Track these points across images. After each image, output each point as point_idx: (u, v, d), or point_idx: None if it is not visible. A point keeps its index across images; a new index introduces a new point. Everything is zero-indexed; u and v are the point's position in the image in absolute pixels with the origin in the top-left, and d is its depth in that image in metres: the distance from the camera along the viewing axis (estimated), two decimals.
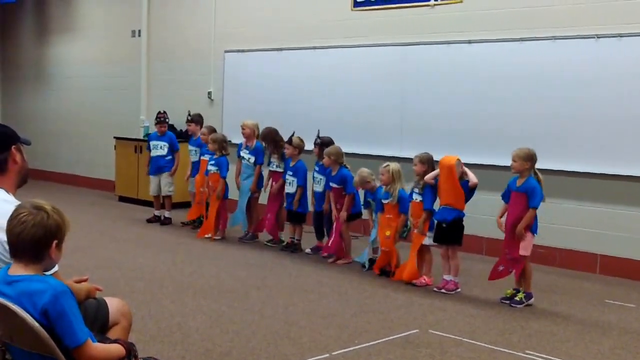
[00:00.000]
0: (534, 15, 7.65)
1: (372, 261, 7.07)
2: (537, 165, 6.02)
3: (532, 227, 5.95)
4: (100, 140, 12.56)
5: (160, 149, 9.51)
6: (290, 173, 7.89)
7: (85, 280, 3.26)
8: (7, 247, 2.76)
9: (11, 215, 2.59)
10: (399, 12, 8.68)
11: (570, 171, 7.39)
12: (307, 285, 6.47)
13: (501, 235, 6.20)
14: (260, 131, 8.32)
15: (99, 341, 2.76)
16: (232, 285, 6.38)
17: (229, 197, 8.62)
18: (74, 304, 2.57)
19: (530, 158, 5.93)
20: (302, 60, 9.58)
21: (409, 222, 6.71)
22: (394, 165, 6.83)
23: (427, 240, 6.51)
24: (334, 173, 7.44)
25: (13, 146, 3.07)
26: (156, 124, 9.63)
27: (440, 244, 6.44)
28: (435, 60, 8.31)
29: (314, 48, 9.43)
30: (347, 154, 7.64)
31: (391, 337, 5.02)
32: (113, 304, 3.25)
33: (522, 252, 5.97)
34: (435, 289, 6.37)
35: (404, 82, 8.61)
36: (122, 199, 11.48)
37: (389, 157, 7.74)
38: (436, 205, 6.54)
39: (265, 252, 7.88)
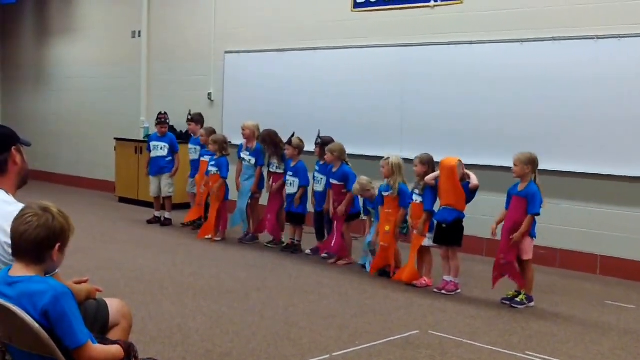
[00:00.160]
0: (534, 16, 7.65)
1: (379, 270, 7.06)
2: (538, 166, 6.02)
3: (531, 232, 5.96)
4: (101, 141, 12.56)
5: (160, 149, 9.51)
6: (291, 173, 7.89)
7: (85, 281, 3.26)
8: (7, 248, 2.77)
9: (17, 215, 2.60)
10: (399, 12, 8.69)
11: (570, 172, 7.40)
12: (307, 286, 6.47)
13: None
14: (260, 133, 8.32)
15: (99, 342, 2.76)
16: (232, 286, 6.38)
17: (229, 198, 8.62)
18: (74, 305, 2.57)
19: (532, 162, 5.93)
20: (302, 61, 9.58)
21: (408, 218, 6.70)
22: (394, 158, 6.84)
23: (427, 241, 6.50)
24: (335, 169, 7.44)
25: (13, 147, 3.07)
26: (157, 124, 9.63)
27: (440, 245, 6.44)
28: (436, 61, 8.32)
29: (314, 49, 9.44)
30: (347, 154, 7.63)
31: (391, 338, 5.01)
32: (113, 305, 3.25)
33: (524, 256, 5.97)
34: (435, 290, 6.37)
35: (404, 83, 8.61)
36: (122, 200, 11.48)
37: None
38: (436, 207, 6.54)
39: (265, 253, 7.88)
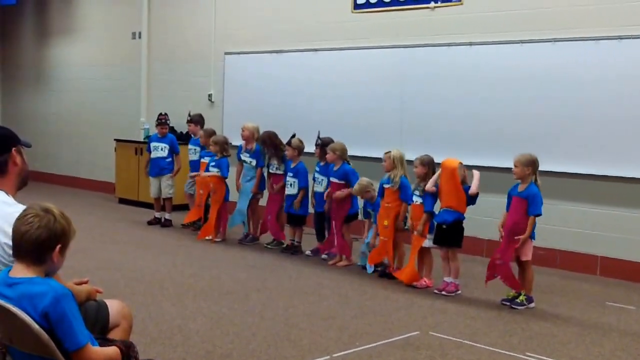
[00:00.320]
0: (534, 17, 7.65)
1: (377, 265, 7.05)
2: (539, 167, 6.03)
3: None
4: (101, 142, 12.56)
5: (160, 150, 9.52)
6: (291, 174, 7.89)
7: (85, 282, 3.26)
8: (7, 249, 2.77)
9: (19, 215, 2.60)
10: (399, 14, 8.69)
11: (570, 173, 7.39)
12: (307, 287, 6.47)
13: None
14: (260, 134, 8.32)
15: (100, 343, 2.76)
16: (232, 287, 6.38)
17: (230, 200, 8.63)
18: (74, 307, 2.57)
19: (532, 163, 5.93)
20: (303, 62, 9.58)
21: (408, 218, 6.70)
22: (395, 152, 6.85)
23: (427, 243, 6.50)
24: (336, 168, 7.44)
25: (13, 148, 3.08)
26: (157, 125, 9.63)
27: (441, 246, 6.43)
28: (436, 62, 8.32)
29: (314, 50, 9.44)
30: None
31: (391, 339, 5.01)
32: (113, 306, 3.26)
33: (523, 257, 5.98)
34: (435, 291, 6.37)
35: (404, 84, 8.61)
36: (122, 201, 11.48)
37: None
38: (436, 208, 6.53)
39: (265, 254, 7.88)
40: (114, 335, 3.14)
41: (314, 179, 7.83)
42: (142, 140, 11.11)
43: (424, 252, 6.58)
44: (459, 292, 6.36)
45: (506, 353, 4.81)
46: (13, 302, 2.51)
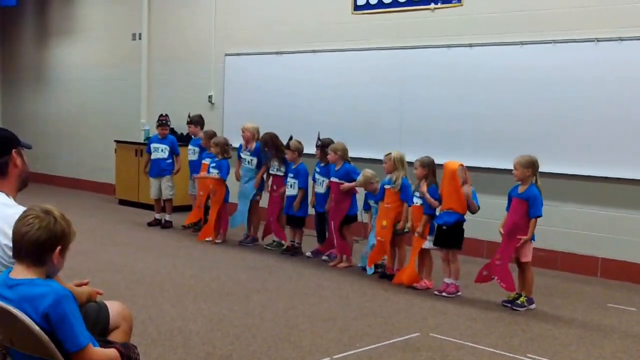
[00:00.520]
0: (534, 18, 7.65)
1: (378, 266, 7.05)
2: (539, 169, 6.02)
3: None
4: (101, 143, 12.56)
5: (161, 151, 9.52)
6: (292, 175, 7.89)
7: (86, 284, 3.26)
8: (7, 251, 2.77)
9: (20, 216, 2.60)
10: (399, 15, 8.69)
11: (571, 174, 7.39)
12: (307, 289, 6.47)
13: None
14: (260, 136, 8.31)
15: (101, 344, 2.76)
16: (232, 288, 6.37)
17: (230, 201, 8.63)
18: (75, 308, 2.57)
19: (531, 165, 5.93)
20: (303, 63, 9.58)
21: (409, 219, 6.70)
22: (396, 153, 6.85)
23: (428, 244, 6.50)
24: (337, 168, 7.44)
25: (14, 150, 3.08)
26: (158, 126, 9.64)
27: (441, 248, 6.43)
28: (436, 63, 8.31)
29: (314, 51, 9.44)
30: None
31: (392, 341, 5.01)
32: (114, 307, 3.25)
33: (523, 258, 5.98)
34: (435, 292, 6.37)
35: (404, 86, 8.61)
36: (123, 202, 11.47)
37: None
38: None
39: (265, 256, 7.88)
40: (114, 336, 3.14)
41: (314, 179, 7.83)
42: (142, 141, 11.10)
43: (424, 254, 6.58)
44: (460, 293, 6.35)
45: (507, 355, 4.80)
46: (13, 304, 2.51)
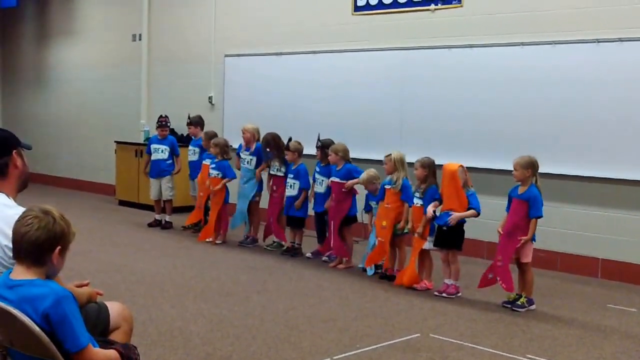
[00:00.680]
0: (534, 19, 7.65)
1: (378, 266, 7.05)
2: (539, 170, 6.02)
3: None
4: (101, 144, 12.57)
5: (161, 152, 9.52)
6: (292, 176, 7.89)
7: (86, 285, 3.26)
8: (7, 251, 2.77)
9: (19, 216, 2.61)
10: (399, 16, 8.69)
11: (571, 175, 7.39)
12: (307, 290, 6.47)
13: None
14: (262, 136, 8.31)
15: (102, 344, 2.76)
16: (232, 289, 6.37)
17: (230, 201, 8.63)
18: (75, 309, 2.57)
19: (531, 165, 5.93)
20: (303, 64, 9.59)
21: (409, 220, 6.70)
22: (396, 154, 6.85)
23: (428, 245, 6.50)
24: (338, 168, 7.44)
25: (14, 151, 3.08)
26: (157, 127, 9.64)
27: (441, 248, 6.43)
28: (436, 64, 8.32)
29: (315, 52, 9.44)
30: None
31: (392, 341, 5.01)
32: (114, 308, 3.26)
33: (523, 259, 5.97)
34: (436, 293, 6.36)
35: (404, 86, 8.61)
36: (123, 203, 11.47)
37: None
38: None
39: (265, 256, 7.88)
40: (114, 337, 3.14)
41: (314, 179, 7.83)
42: (142, 142, 11.10)
43: (424, 254, 6.58)
44: (460, 294, 6.35)
45: (507, 355, 4.80)
46: (14, 305, 2.51)
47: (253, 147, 8.41)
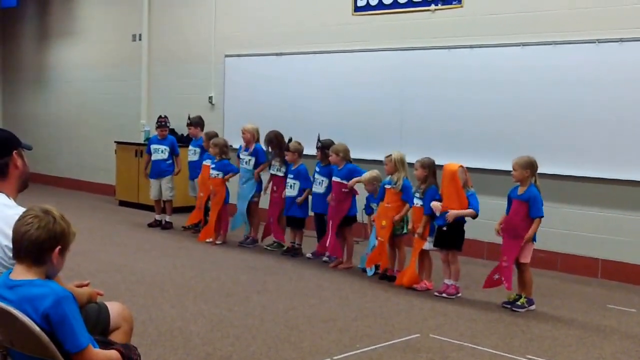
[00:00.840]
0: (535, 20, 7.65)
1: (378, 267, 7.05)
2: (538, 170, 6.02)
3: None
4: (101, 144, 12.57)
5: (161, 152, 9.52)
6: (292, 176, 7.89)
7: (86, 285, 3.26)
8: (7, 251, 2.78)
9: (20, 216, 2.61)
10: (399, 17, 8.69)
11: (571, 175, 7.39)
12: (307, 290, 6.47)
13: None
14: (265, 135, 8.31)
15: (102, 344, 2.76)
16: (232, 289, 6.37)
17: (230, 202, 8.63)
18: (75, 309, 2.57)
19: (530, 165, 5.93)
20: (303, 64, 9.59)
21: (409, 220, 6.69)
22: (396, 154, 6.85)
23: (428, 245, 6.50)
24: (340, 168, 7.44)
25: (14, 151, 3.08)
26: (157, 127, 9.64)
27: (441, 249, 6.43)
28: (436, 65, 8.32)
29: (315, 53, 9.44)
30: None
31: (392, 342, 5.01)
32: (114, 308, 3.26)
33: (523, 259, 5.98)
34: (436, 293, 6.37)
35: (404, 87, 8.61)
36: (123, 203, 11.47)
37: None
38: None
39: (265, 257, 7.88)
40: (114, 337, 3.14)
41: (313, 179, 7.83)
42: (142, 142, 11.11)
43: (423, 255, 6.58)
44: (460, 294, 6.35)
45: (507, 355, 4.80)
46: (14, 305, 2.51)
47: (252, 147, 8.41)
